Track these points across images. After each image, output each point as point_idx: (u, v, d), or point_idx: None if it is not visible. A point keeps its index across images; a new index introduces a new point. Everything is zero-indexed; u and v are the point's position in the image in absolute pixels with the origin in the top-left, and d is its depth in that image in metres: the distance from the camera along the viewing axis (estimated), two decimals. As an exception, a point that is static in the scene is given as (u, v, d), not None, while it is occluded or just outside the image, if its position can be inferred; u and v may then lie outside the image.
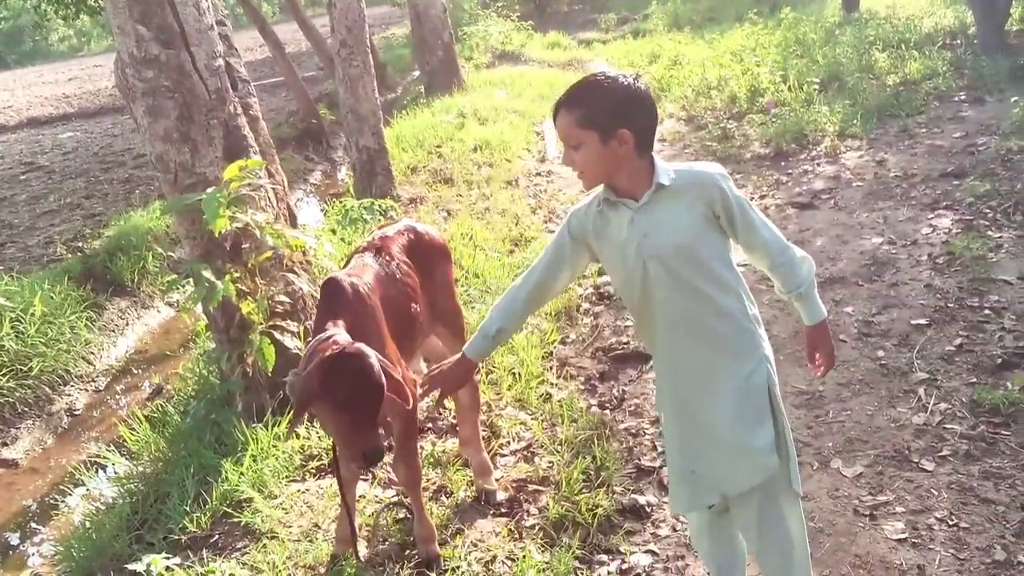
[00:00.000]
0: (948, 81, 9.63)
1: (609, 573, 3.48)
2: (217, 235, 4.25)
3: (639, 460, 4.21)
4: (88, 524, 4.48)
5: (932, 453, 3.91)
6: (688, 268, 2.53)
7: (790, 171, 8.16)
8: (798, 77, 10.40)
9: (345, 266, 3.61)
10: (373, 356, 2.87)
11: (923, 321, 4.99)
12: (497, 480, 4.06)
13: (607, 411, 4.74)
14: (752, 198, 7.49)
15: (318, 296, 3.49)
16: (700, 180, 2.53)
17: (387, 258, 3.55)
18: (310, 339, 3.34)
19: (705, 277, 2.54)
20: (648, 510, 3.85)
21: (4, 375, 6.38)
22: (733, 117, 10.29)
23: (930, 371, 4.51)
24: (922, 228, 6.25)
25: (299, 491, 4.16)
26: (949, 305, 5.11)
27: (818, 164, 8.17)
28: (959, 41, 11.16)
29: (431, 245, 3.86)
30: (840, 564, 3.34)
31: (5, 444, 6.11)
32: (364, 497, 4.04)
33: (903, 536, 3.44)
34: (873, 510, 3.61)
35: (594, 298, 6.19)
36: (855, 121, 8.85)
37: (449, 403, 4.61)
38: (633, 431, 4.50)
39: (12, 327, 6.70)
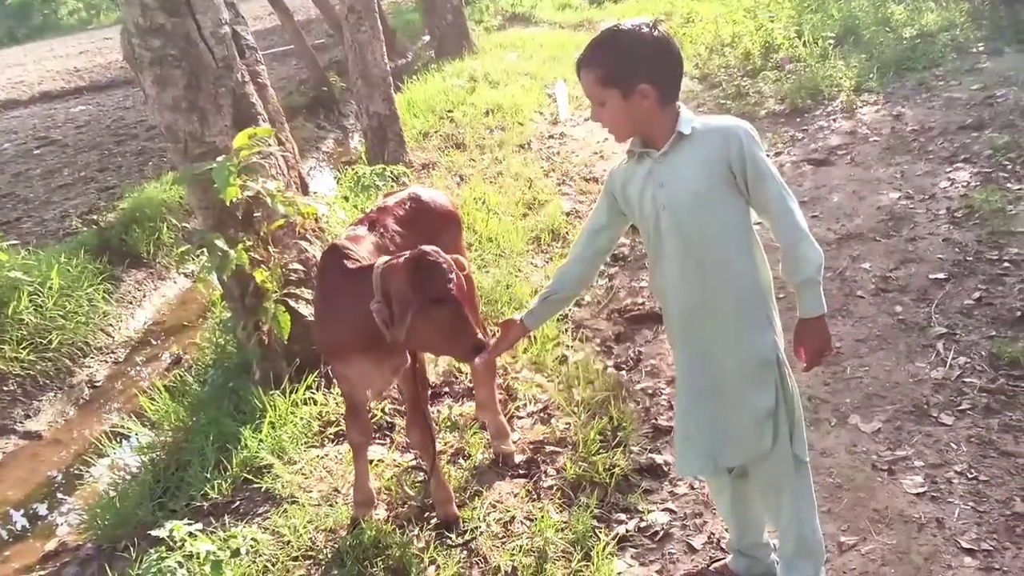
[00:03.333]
0: (966, 32, 9.44)
1: (627, 532, 3.50)
2: (228, 204, 4.23)
3: (656, 420, 4.21)
4: (112, 493, 4.53)
5: (951, 407, 3.89)
6: (697, 223, 2.52)
7: (806, 127, 8.07)
8: (813, 32, 10.23)
9: None
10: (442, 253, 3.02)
11: (941, 275, 4.94)
12: (514, 442, 4.08)
13: (623, 372, 4.74)
14: (768, 155, 7.39)
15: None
16: (723, 134, 2.48)
17: (380, 230, 3.52)
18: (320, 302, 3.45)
19: (713, 236, 2.53)
20: (665, 469, 3.86)
21: (25, 348, 6.43)
22: (747, 74, 10.16)
23: (949, 325, 4.48)
24: (940, 182, 6.17)
25: (318, 456, 4.19)
26: (967, 259, 5.06)
27: (834, 120, 8.06)
28: (977, -9, 10.93)
29: (436, 212, 3.80)
30: (859, 519, 3.35)
31: (28, 416, 6.17)
32: (383, 461, 4.07)
33: (922, 490, 3.44)
34: (892, 465, 3.60)
35: (608, 260, 6.15)
36: (871, 75, 8.71)
37: (465, 367, 4.63)
38: (650, 391, 4.50)
39: (31, 301, 6.73)
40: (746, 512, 2.95)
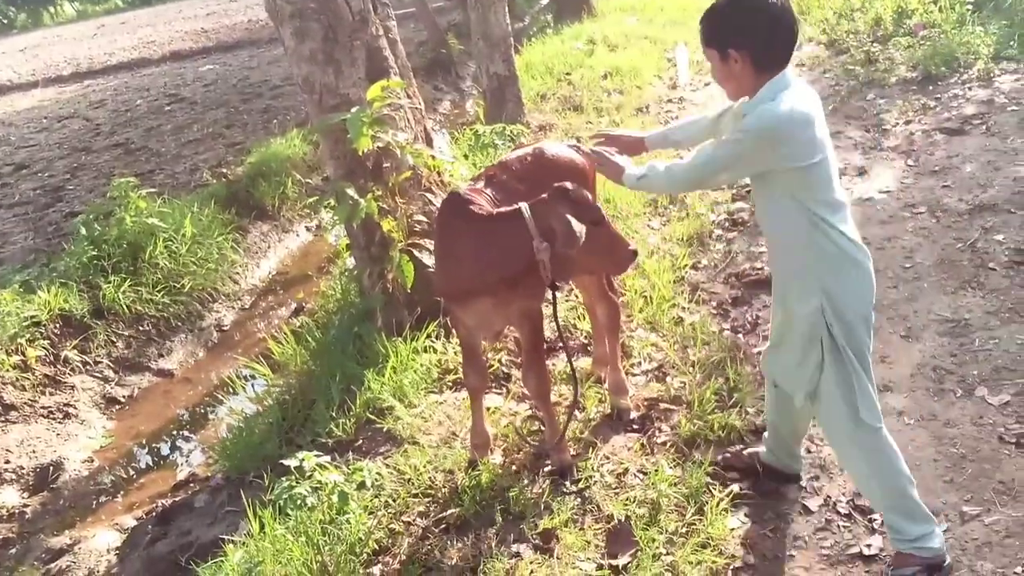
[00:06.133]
0: (1119, -2, 8.88)
1: (741, 488, 3.51)
2: (360, 154, 4.37)
3: (773, 383, 4.18)
4: (240, 428, 4.78)
5: (1087, 383, 3.75)
6: (755, 186, 2.82)
7: (939, 96, 7.74)
8: (950, -3, 9.77)
9: None
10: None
11: (1081, 249, 4.73)
12: (629, 398, 4.11)
13: (740, 335, 4.70)
14: (897, 123, 7.19)
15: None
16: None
17: (498, 183, 3.51)
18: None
19: (764, 200, 2.80)
20: (782, 431, 3.83)
21: (159, 291, 6.79)
22: (877, 40, 9.77)
23: (1088, 300, 4.29)
24: (1084, 153, 5.87)
25: (436, 402, 4.32)
26: (1111, 233, 4.82)
27: (969, 88, 7.71)
28: None
29: (559, 165, 3.71)
30: (983, 490, 3.28)
31: (161, 355, 6.54)
32: (499, 409, 4.17)
33: (1052, 464, 3.33)
34: (1020, 438, 3.50)
35: (727, 224, 6.09)
36: (1012, 43, 8.28)
37: (583, 324, 4.68)
38: (767, 355, 4.45)
39: (165, 247, 7.08)
40: (777, 428, 3.34)
